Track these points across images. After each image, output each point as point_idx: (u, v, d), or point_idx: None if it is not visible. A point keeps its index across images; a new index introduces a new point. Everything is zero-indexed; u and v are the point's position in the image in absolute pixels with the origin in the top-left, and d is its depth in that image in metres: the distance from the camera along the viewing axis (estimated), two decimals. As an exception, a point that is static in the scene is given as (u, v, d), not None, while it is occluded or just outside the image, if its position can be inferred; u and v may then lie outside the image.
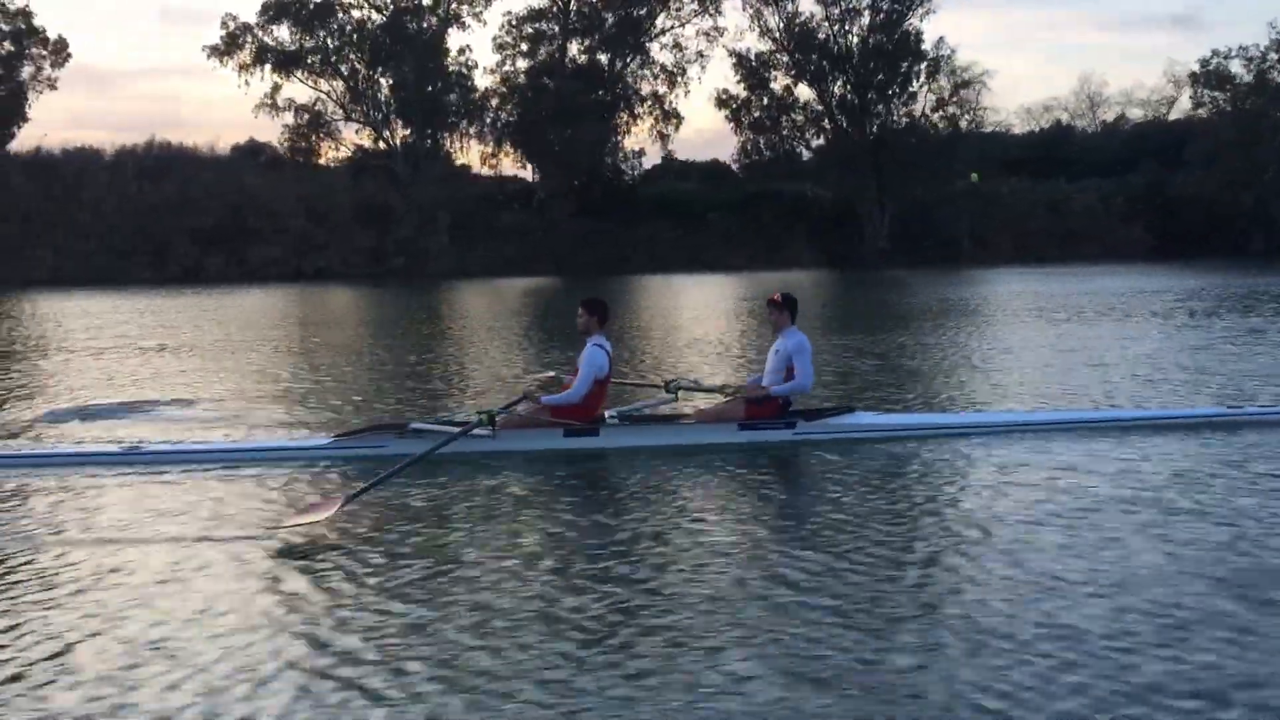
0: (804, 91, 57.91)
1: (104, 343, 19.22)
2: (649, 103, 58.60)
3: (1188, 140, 57.75)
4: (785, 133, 58.51)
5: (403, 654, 4.58)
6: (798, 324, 9.23)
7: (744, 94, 57.58)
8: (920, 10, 56.47)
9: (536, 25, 57.86)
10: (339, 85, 56.37)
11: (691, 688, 4.20)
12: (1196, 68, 59.99)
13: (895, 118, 57.91)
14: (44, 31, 54.24)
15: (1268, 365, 13.33)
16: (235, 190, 51.33)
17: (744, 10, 58.00)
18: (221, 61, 55.14)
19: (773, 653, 4.51)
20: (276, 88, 55.54)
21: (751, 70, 57.28)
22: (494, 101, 57.15)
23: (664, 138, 59.01)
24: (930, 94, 57.75)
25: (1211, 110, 59.94)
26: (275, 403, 11.78)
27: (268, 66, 55.16)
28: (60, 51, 54.78)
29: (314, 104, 56.34)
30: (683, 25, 58.57)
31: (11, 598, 5.39)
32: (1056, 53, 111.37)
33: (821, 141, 58.85)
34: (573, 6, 58.03)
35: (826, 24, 57.07)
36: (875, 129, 57.19)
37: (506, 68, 57.71)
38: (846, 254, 53.62)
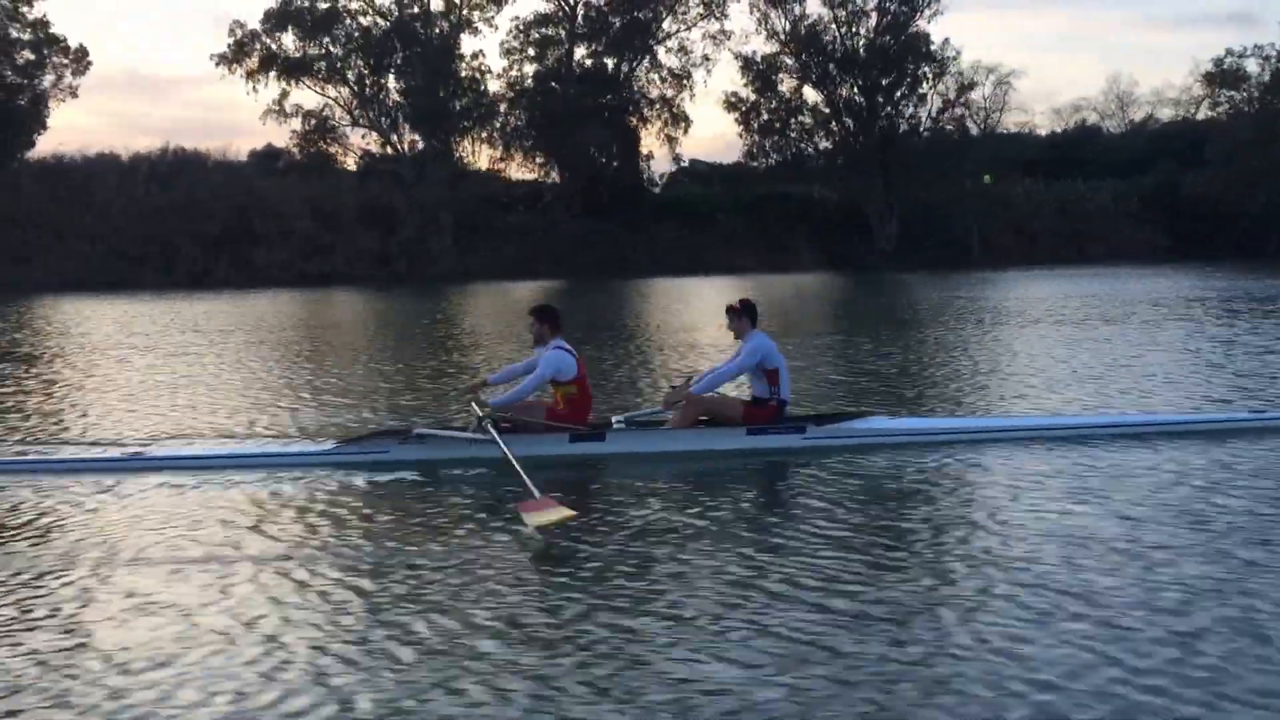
0: (810, 94, 57.91)
1: (109, 348, 19.18)
2: (657, 106, 58.63)
3: (1209, 140, 56.72)
4: (794, 135, 58.41)
5: (413, 659, 4.56)
6: (759, 327, 9.27)
7: (752, 96, 57.53)
8: (928, 12, 56.45)
9: (543, 30, 57.91)
10: (346, 91, 56.46)
11: (706, 691, 4.20)
12: (1212, 67, 59.72)
13: (902, 119, 57.76)
14: (64, 40, 54.28)
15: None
16: (243, 193, 51.38)
17: (751, 13, 58.06)
18: (230, 69, 55.34)
19: (780, 652, 4.53)
20: (284, 94, 55.74)
21: (759, 73, 57.21)
22: (502, 106, 57.22)
23: (671, 140, 59.08)
24: (937, 96, 57.70)
25: (1228, 110, 59.41)
26: (278, 408, 11.73)
27: (273, 74, 55.24)
28: (81, 60, 54.78)
29: (322, 110, 56.52)
30: (689, 29, 58.63)
31: (15, 601, 5.38)
32: (1108, 53, 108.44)
33: (829, 144, 58.73)
34: (579, 11, 58.07)
35: (833, 26, 57.01)
36: (881, 130, 57.00)
37: (513, 73, 57.87)
38: (851, 256, 53.48)
